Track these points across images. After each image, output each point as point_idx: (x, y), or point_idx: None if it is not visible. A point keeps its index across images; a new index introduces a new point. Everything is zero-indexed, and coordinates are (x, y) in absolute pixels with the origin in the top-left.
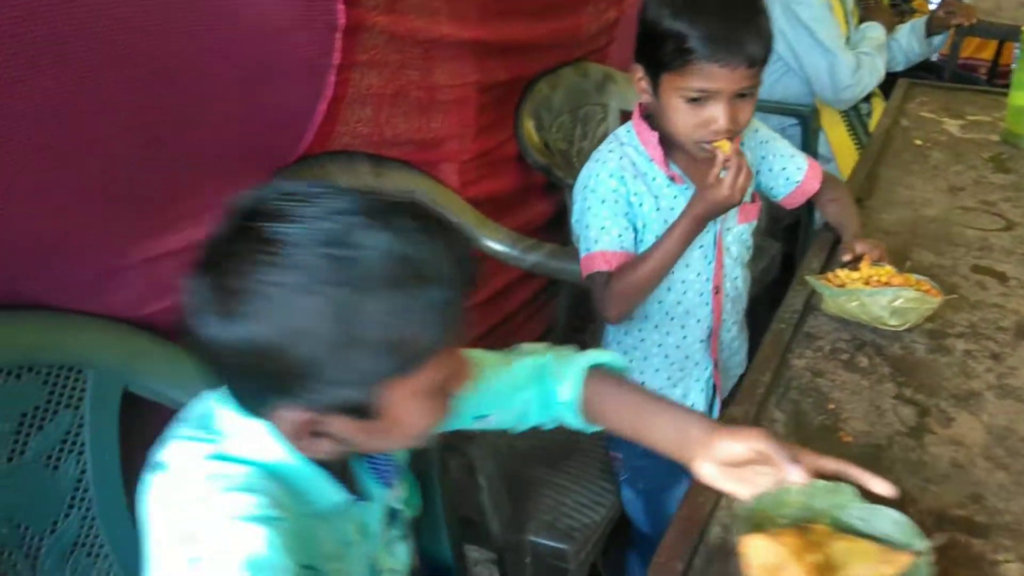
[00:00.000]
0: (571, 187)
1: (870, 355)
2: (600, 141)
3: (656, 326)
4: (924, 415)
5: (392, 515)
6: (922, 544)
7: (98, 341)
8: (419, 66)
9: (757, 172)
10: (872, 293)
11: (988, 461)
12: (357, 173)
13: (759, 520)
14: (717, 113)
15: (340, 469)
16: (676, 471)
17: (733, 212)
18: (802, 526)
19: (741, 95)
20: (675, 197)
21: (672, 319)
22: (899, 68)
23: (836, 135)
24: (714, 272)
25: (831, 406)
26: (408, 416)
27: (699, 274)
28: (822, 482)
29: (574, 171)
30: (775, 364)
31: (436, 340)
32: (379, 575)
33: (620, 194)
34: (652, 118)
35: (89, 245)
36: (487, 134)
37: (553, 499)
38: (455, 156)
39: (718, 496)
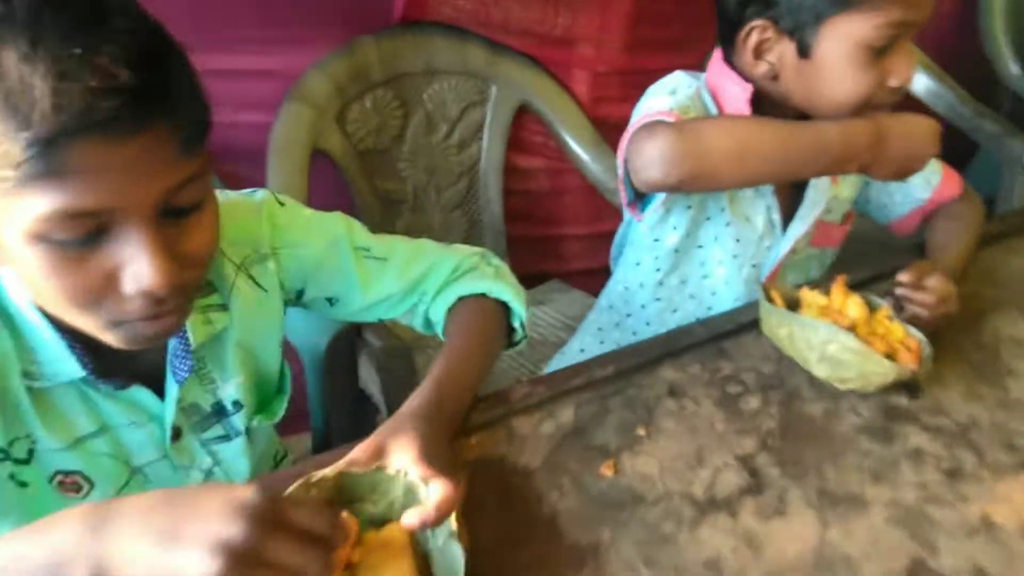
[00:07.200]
0: None
1: (767, 399)
2: None
3: (648, 323)
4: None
5: (219, 412)
6: None
7: None
8: None
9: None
10: (804, 324)
11: None
12: (467, 54)
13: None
14: (902, 58)
15: (118, 353)
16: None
17: (805, 231)
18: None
19: None
20: None
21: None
22: None
23: None
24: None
25: (641, 431)
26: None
27: (736, 299)
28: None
29: None
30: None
31: None
32: (184, 470)
33: None
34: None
35: None
36: (643, 50)
37: None
38: (589, 64)
39: None
